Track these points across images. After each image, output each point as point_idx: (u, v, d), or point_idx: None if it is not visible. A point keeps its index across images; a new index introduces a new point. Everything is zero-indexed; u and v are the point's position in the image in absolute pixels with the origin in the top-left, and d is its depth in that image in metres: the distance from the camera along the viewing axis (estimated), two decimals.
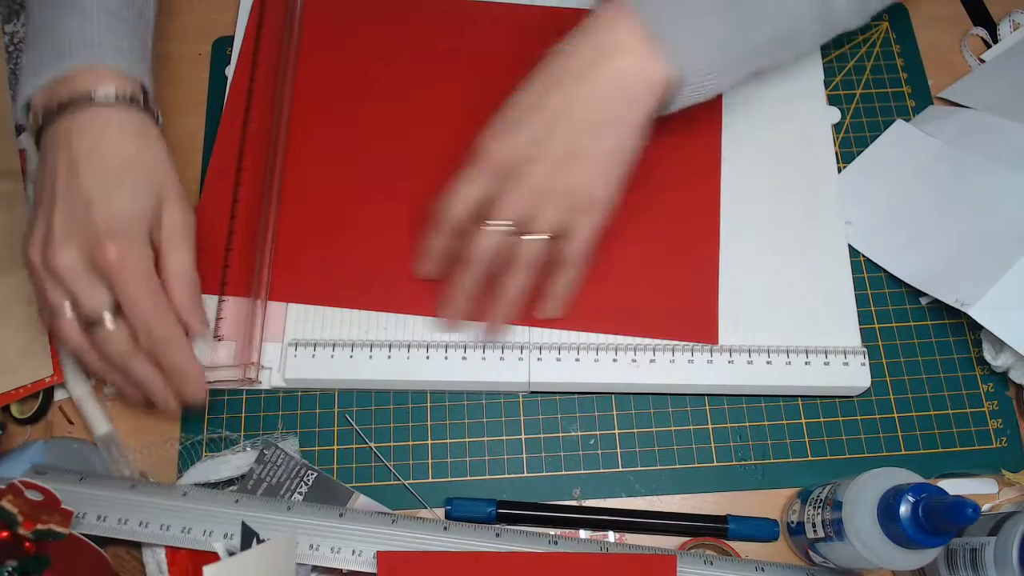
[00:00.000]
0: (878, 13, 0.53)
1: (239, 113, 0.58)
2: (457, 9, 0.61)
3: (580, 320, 0.52)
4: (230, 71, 0.60)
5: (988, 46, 0.63)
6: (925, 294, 0.55)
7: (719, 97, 0.57)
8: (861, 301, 0.55)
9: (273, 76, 0.59)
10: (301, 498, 0.49)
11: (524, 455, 0.52)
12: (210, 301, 0.53)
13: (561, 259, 0.49)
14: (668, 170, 0.56)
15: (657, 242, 0.54)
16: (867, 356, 0.52)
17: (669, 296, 0.53)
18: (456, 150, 0.56)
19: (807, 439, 0.52)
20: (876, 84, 0.61)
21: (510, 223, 0.47)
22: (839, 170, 0.58)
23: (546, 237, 0.48)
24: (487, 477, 0.51)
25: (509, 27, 0.61)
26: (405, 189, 0.56)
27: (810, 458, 0.52)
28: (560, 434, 0.52)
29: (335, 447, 0.52)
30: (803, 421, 0.52)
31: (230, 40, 0.61)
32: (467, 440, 0.52)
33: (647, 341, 0.52)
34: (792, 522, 0.49)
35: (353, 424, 0.52)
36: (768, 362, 0.51)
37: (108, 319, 0.44)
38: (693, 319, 0.52)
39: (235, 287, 0.53)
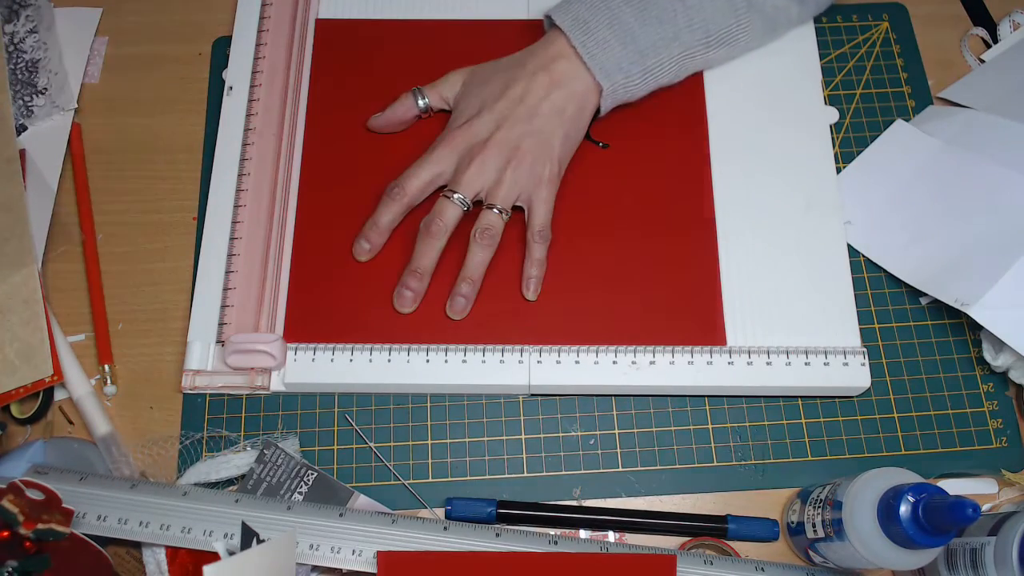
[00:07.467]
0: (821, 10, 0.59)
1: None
2: (466, 32, 0.61)
3: (587, 334, 0.52)
4: (227, 75, 0.59)
5: (988, 46, 0.63)
6: (925, 294, 0.55)
7: (702, 98, 0.58)
8: (861, 301, 0.55)
9: (280, 104, 0.58)
10: (301, 498, 0.49)
11: (524, 455, 0.52)
12: (213, 306, 0.53)
13: (527, 234, 0.53)
14: (658, 176, 0.56)
15: (654, 249, 0.54)
16: (867, 356, 0.52)
17: (672, 302, 0.53)
18: None
19: (807, 439, 0.52)
20: (876, 84, 0.61)
21: (466, 196, 0.51)
22: (838, 170, 0.58)
23: (500, 208, 0.51)
24: (487, 477, 0.51)
25: (510, 43, 0.60)
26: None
27: (810, 458, 0.52)
28: (560, 434, 0.52)
29: (335, 447, 0.52)
30: (803, 421, 0.52)
31: (230, 40, 0.61)
32: (467, 440, 0.52)
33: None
34: (792, 522, 0.49)
35: (353, 424, 0.52)
36: (768, 363, 0.51)
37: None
38: (699, 323, 0.52)
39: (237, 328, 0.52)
